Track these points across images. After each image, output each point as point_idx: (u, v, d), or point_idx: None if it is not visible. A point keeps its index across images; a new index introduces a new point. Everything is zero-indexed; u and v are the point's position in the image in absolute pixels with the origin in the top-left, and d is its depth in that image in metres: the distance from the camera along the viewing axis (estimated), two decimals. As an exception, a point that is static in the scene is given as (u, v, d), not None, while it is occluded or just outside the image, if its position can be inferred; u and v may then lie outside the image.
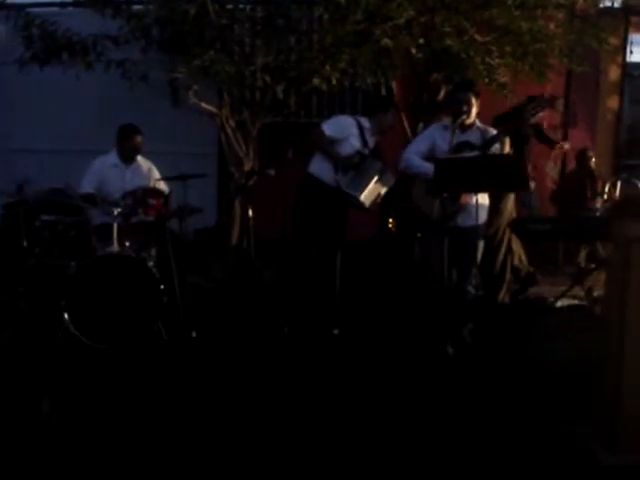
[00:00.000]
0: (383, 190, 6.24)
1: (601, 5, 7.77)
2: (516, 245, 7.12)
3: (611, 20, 8.09)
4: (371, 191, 6.13)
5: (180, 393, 4.67)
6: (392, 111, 6.55)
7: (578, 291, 7.12)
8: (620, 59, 9.62)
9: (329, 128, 6.35)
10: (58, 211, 5.92)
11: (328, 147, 6.27)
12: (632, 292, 3.59)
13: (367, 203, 6.17)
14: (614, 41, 8.34)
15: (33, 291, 5.79)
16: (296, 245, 6.49)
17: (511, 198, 6.96)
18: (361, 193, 6.10)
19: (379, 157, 6.43)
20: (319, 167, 6.33)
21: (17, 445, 3.90)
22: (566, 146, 8.18)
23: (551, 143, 8.02)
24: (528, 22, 7.32)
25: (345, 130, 6.34)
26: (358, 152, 6.24)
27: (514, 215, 7.04)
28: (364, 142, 6.32)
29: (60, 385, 4.72)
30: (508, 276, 6.99)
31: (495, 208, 6.41)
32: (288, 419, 4.33)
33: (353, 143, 6.27)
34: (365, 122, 6.42)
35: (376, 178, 6.10)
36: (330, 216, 6.32)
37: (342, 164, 6.19)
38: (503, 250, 6.91)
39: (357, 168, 6.17)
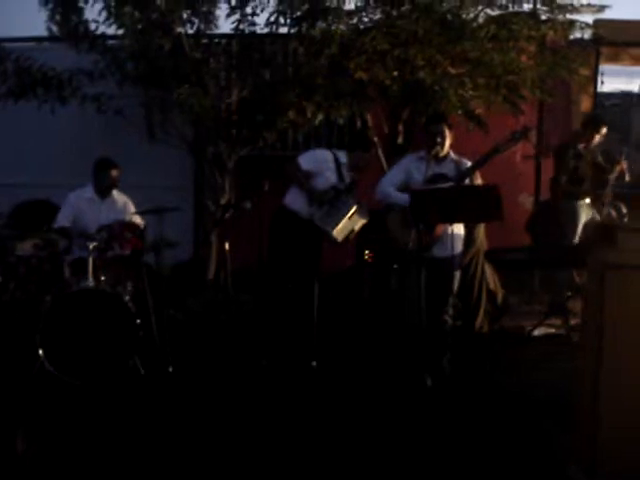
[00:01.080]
0: (357, 226, 6.28)
1: (571, 37, 7.87)
2: (489, 270, 7.15)
3: (582, 51, 8.19)
4: (344, 227, 6.17)
5: (157, 429, 4.61)
6: (372, 150, 6.59)
7: (555, 319, 7.15)
8: (591, 89, 9.74)
9: (305, 161, 6.38)
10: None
11: (303, 180, 6.30)
12: (608, 319, 3.60)
13: (339, 238, 6.21)
14: (585, 72, 8.44)
15: (7, 326, 5.72)
16: (271, 276, 6.48)
17: (482, 227, 7.01)
18: (333, 229, 6.14)
19: (354, 192, 6.48)
20: (294, 199, 6.35)
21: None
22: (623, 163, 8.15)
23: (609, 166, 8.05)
24: (500, 54, 7.41)
25: (321, 164, 6.37)
26: (334, 187, 6.27)
27: (485, 244, 7.09)
28: (340, 176, 6.35)
29: (35, 422, 4.65)
30: (484, 304, 7.01)
31: (468, 237, 6.45)
32: (267, 452, 4.29)
33: (329, 177, 6.30)
34: (342, 157, 6.46)
35: (350, 214, 6.14)
36: (304, 247, 6.33)
37: (317, 198, 6.22)
38: (478, 278, 6.94)
39: (331, 203, 6.20)
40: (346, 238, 6.32)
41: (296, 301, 6.36)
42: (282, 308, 6.45)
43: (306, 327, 6.08)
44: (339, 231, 6.15)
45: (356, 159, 6.47)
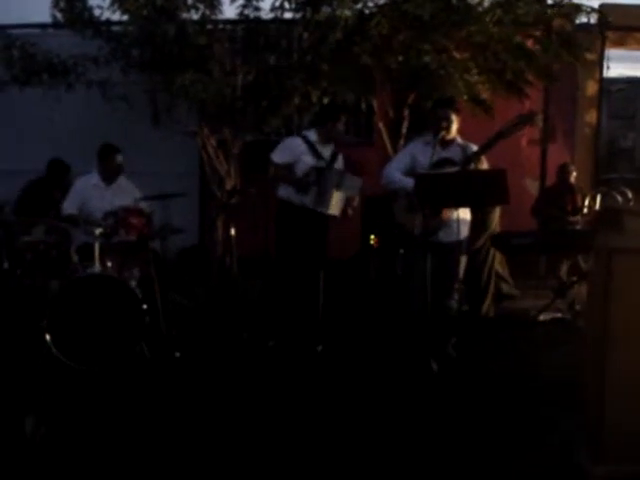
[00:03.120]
0: (352, 192, 6.25)
1: (577, 21, 7.83)
2: (499, 256, 7.18)
3: (588, 36, 8.16)
4: (337, 200, 6.16)
5: (164, 413, 4.64)
6: (342, 119, 6.52)
7: (560, 304, 7.17)
8: (597, 74, 9.71)
9: (278, 156, 6.41)
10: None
11: (283, 175, 6.32)
12: (614, 303, 3.61)
13: (337, 212, 6.21)
14: (591, 57, 8.41)
15: (15, 312, 5.75)
16: (279, 266, 6.49)
17: (496, 211, 7.02)
18: (328, 207, 6.13)
19: (338, 163, 6.43)
20: (286, 191, 6.35)
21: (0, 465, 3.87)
22: None
23: None
24: (505, 39, 7.38)
25: (294, 151, 6.37)
26: (314, 168, 6.24)
27: (497, 229, 7.10)
28: (317, 155, 6.31)
29: (43, 406, 4.67)
30: (493, 289, 7.04)
31: (481, 222, 6.48)
32: (274, 436, 4.31)
33: (306, 161, 6.28)
34: (312, 135, 6.43)
35: (335, 186, 6.12)
36: (308, 235, 6.30)
37: (300, 186, 6.22)
38: (489, 263, 6.96)
39: (318, 184, 6.18)
40: (345, 209, 6.29)
41: (302, 287, 6.36)
42: (288, 293, 6.46)
43: (312, 312, 6.10)
44: (334, 206, 6.15)
45: (326, 132, 6.43)
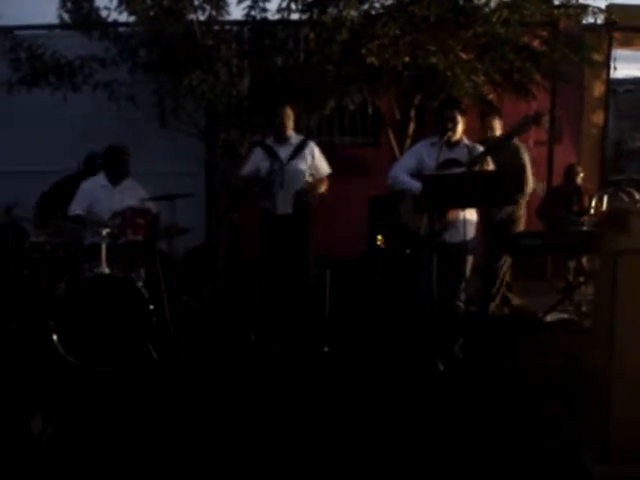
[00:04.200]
0: (297, 186, 6.18)
1: (584, 22, 7.82)
2: (509, 261, 7.20)
3: (595, 36, 8.16)
4: (285, 199, 6.11)
5: (170, 413, 4.65)
6: (280, 109, 6.46)
7: (567, 305, 7.15)
8: (604, 75, 9.69)
9: (244, 170, 6.52)
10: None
11: (252, 185, 6.35)
12: (620, 304, 3.60)
13: (289, 210, 6.13)
14: (598, 57, 8.40)
15: (22, 313, 5.77)
16: (264, 271, 6.48)
17: (523, 206, 7.02)
18: (276, 207, 6.11)
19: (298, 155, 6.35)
20: (261, 200, 6.36)
21: (8, 465, 3.88)
22: None
23: None
24: (512, 40, 7.38)
25: (253, 160, 6.42)
26: (268, 171, 6.21)
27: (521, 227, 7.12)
28: (273, 156, 6.26)
29: (50, 405, 4.69)
30: (502, 290, 7.06)
31: (511, 218, 6.52)
32: (280, 436, 4.32)
33: (263, 166, 6.27)
34: (269, 139, 6.44)
35: (280, 184, 6.10)
36: (283, 239, 6.25)
37: (262, 191, 6.24)
38: (508, 263, 7.00)
39: (271, 185, 6.16)
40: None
41: (289, 290, 6.34)
42: (293, 295, 6.45)
43: (318, 313, 6.10)
44: (281, 205, 6.11)
45: (275, 131, 6.42)
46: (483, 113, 7.36)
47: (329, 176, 6.46)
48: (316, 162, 6.34)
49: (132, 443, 4.22)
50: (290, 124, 6.37)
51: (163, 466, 3.94)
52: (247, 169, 6.52)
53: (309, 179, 6.22)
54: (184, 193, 6.08)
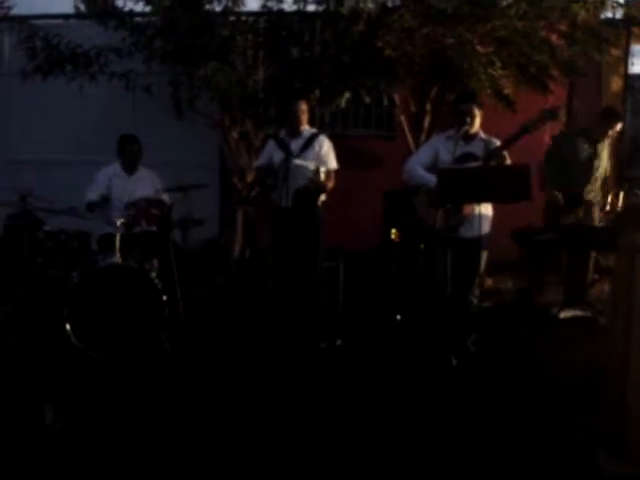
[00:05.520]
0: (302, 181, 6.09)
1: (603, 16, 7.76)
2: None
3: (613, 31, 8.09)
4: (289, 192, 6.05)
5: (182, 404, 4.65)
6: (294, 104, 6.39)
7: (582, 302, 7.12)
8: (622, 70, 9.63)
9: (257, 160, 6.57)
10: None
11: (266, 177, 6.33)
12: (637, 301, 3.58)
13: (289, 204, 6.07)
14: (616, 52, 8.34)
15: (36, 301, 5.78)
16: (276, 266, 6.47)
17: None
18: (280, 201, 6.04)
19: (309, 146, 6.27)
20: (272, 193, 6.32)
21: (20, 454, 3.89)
22: None
23: None
24: (530, 33, 7.33)
25: (267, 152, 6.38)
26: (282, 161, 6.13)
27: None
28: (286, 149, 6.19)
29: (63, 395, 4.70)
30: None
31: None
32: (292, 429, 4.31)
33: (275, 158, 6.21)
34: (282, 132, 6.39)
35: (284, 178, 6.03)
36: (294, 233, 6.20)
37: (270, 185, 6.21)
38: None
39: (284, 178, 6.09)
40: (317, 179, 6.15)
41: (319, 282, 6.32)
42: (308, 287, 6.43)
43: (332, 306, 6.09)
44: (284, 199, 6.04)
45: (289, 123, 6.39)
46: None
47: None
48: (322, 153, 6.23)
49: (143, 434, 4.22)
50: (304, 119, 6.31)
51: (173, 457, 3.94)
52: (260, 161, 6.53)
53: (322, 174, 6.08)
54: (200, 184, 6.07)
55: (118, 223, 5.65)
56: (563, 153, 7.05)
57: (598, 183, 7.10)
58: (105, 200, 6.37)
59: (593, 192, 7.06)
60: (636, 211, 3.90)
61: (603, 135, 6.97)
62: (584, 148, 6.94)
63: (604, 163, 7.11)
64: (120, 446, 4.04)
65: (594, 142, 6.96)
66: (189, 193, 6.06)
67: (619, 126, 6.98)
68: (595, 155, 6.97)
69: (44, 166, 9.06)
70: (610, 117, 6.98)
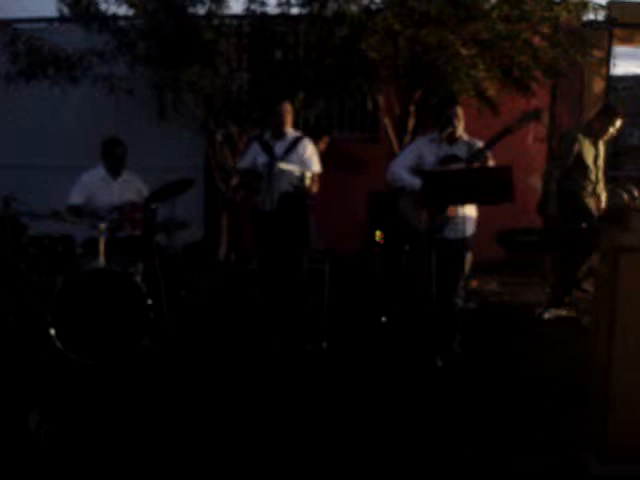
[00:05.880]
0: (287, 187, 6.08)
1: (585, 18, 7.81)
2: None
3: (595, 33, 8.15)
4: (272, 195, 6.04)
5: (167, 408, 4.64)
6: (277, 106, 6.38)
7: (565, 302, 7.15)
8: (604, 72, 9.69)
9: (240, 162, 6.54)
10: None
11: (248, 180, 6.33)
12: (619, 302, 3.59)
13: (271, 207, 6.05)
14: (598, 54, 8.40)
15: (20, 306, 5.75)
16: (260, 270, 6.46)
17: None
18: (264, 204, 6.03)
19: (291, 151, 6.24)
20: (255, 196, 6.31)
21: (4, 461, 3.87)
22: None
23: None
24: (513, 35, 7.37)
25: (251, 154, 6.36)
26: (264, 164, 6.12)
27: None
28: (270, 152, 6.16)
29: (47, 400, 4.68)
30: None
31: None
32: (278, 432, 4.31)
33: (260, 161, 6.20)
34: (266, 134, 6.38)
35: (268, 181, 6.02)
36: (277, 236, 6.19)
37: (254, 188, 6.21)
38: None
39: (268, 181, 6.06)
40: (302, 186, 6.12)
41: (303, 284, 6.32)
42: (293, 290, 6.43)
43: (317, 308, 6.09)
44: (267, 202, 6.02)
45: (272, 126, 6.39)
46: None
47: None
48: (306, 156, 6.22)
49: (129, 438, 4.21)
50: (288, 120, 6.31)
51: (160, 462, 3.93)
52: (243, 163, 6.51)
53: (307, 178, 6.06)
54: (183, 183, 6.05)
55: (102, 227, 5.62)
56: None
57: (601, 184, 7.08)
58: (88, 204, 6.33)
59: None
60: (619, 211, 3.90)
61: (605, 132, 6.94)
62: (590, 148, 6.92)
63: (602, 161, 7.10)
64: (105, 451, 4.03)
65: (596, 140, 6.94)
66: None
67: (619, 123, 6.95)
68: (597, 154, 6.96)
69: (26, 171, 9.01)
70: (611, 114, 6.95)
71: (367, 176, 8.09)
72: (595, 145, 6.90)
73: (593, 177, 6.93)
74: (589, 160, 6.85)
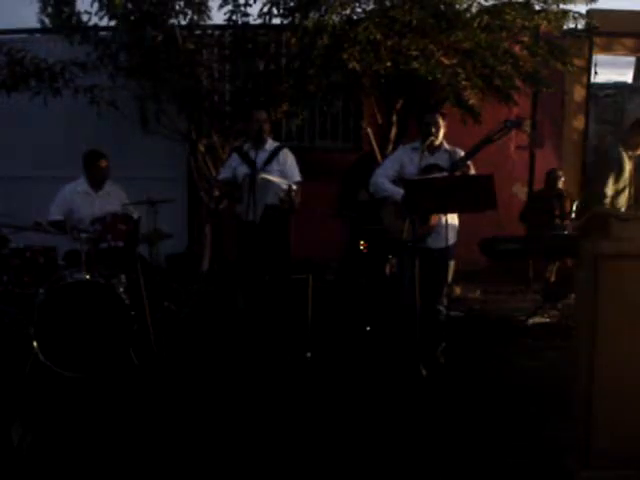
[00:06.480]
0: (271, 199, 6.08)
1: (565, 27, 7.87)
2: None
3: (575, 42, 8.21)
4: (258, 206, 6.03)
5: (151, 420, 4.62)
6: (254, 117, 6.38)
7: (550, 309, 7.18)
8: (585, 80, 9.77)
9: (221, 175, 6.51)
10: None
11: (227, 190, 6.32)
12: (600, 309, 3.61)
13: (256, 219, 6.04)
14: (579, 62, 8.46)
15: (2, 318, 5.71)
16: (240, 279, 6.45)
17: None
18: (246, 215, 6.01)
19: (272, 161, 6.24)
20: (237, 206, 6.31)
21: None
22: None
23: None
24: (493, 45, 7.41)
25: (231, 165, 6.35)
26: (245, 175, 6.11)
27: None
28: (251, 163, 6.14)
29: (30, 413, 4.64)
30: None
31: None
32: (263, 442, 4.29)
33: (240, 172, 6.20)
34: (246, 145, 6.38)
35: (248, 191, 6.01)
36: (257, 246, 6.18)
37: (234, 197, 6.22)
38: None
39: (249, 192, 6.04)
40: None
41: (288, 293, 6.31)
42: (275, 300, 6.42)
43: (300, 318, 6.07)
44: (251, 212, 6.01)
45: (251, 136, 6.40)
46: None
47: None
48: (287, 167, 6.22)
49: (113, 451, 4.19)
50: (266, 128, 6.28)
51: (142, 473, 3.91)
52: (223, 174, 6.49)
53: (284, 187, 6.05)
54: (165, 198, 6.04)
55: (84, 239, 5.59)
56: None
57: (625, 194, 7.05)
58: (69, 217, 6.29)
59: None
60: (600, 218, 3.92)
61: (637, 146, 6.96)
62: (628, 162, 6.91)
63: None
64: (87, 463, 4.00)
65: (632, 154, 6.92)
66: (156, 207, 6.03)
67: None
68: (631, 168, 6.95)
69: (8, 182, 8.96)
70: None
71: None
72: (630, 159, 6.90)
73: (627, 191, 6.93)
74: (626, 174, 6.87)
